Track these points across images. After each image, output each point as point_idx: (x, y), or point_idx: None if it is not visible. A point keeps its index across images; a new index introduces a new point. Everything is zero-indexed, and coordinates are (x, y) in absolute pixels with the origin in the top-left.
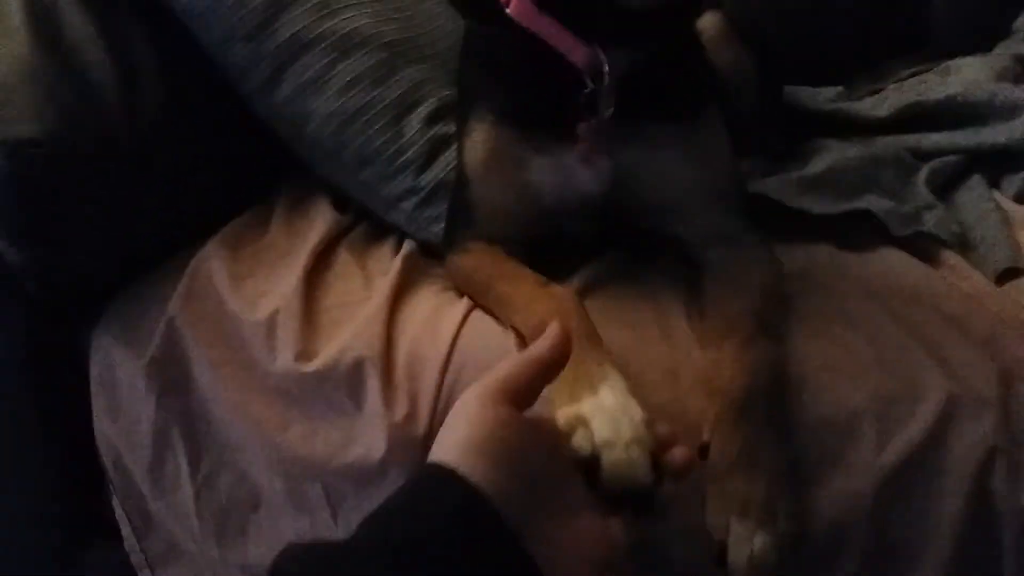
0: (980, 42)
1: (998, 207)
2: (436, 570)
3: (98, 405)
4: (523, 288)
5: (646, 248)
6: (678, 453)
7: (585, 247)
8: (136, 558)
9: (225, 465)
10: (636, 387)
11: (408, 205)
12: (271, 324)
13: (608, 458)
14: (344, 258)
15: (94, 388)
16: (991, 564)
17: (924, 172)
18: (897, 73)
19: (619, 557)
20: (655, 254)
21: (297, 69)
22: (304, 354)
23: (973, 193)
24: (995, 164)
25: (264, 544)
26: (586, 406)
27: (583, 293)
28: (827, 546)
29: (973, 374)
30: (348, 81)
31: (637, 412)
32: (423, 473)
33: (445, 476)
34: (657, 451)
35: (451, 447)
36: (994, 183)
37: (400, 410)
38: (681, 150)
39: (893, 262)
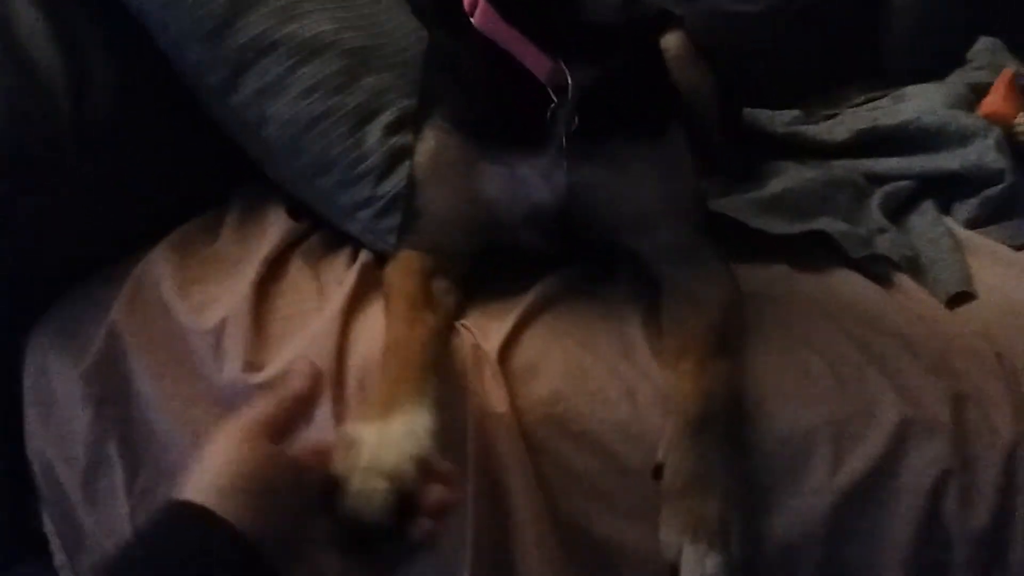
0: (934, 70)
1: (949, 232)
2: None
3: (31, 414)
4: (397, 305)
5: (605, 263)
6: (433, 492)
7: (542, 260)
8: (65, 574)
9: (164, 480)
10: (594, 405)
11: (366, 215)
12: (218, 333)
13: (351, 486)
14: (298, 267)
15: (27, 395)
16: None
17: (877, 196)
18: (852, 98)
19: None
20: (614, 269)
21: (256, 72)
22: (252, 364)
23: (925, 218)
24: (947, 190)
25: None
26: (366, 428)
27: (539, 309)
28: (780, 568)
29: (926, 396)
30: (308, 86)
31: (416, 447)
32: (174, 513)
33: (200, 517)
34: (417, 491)
35: (206, 487)
36: (945, 209)
37: None
38: (640, 166)
39: (848, 283)
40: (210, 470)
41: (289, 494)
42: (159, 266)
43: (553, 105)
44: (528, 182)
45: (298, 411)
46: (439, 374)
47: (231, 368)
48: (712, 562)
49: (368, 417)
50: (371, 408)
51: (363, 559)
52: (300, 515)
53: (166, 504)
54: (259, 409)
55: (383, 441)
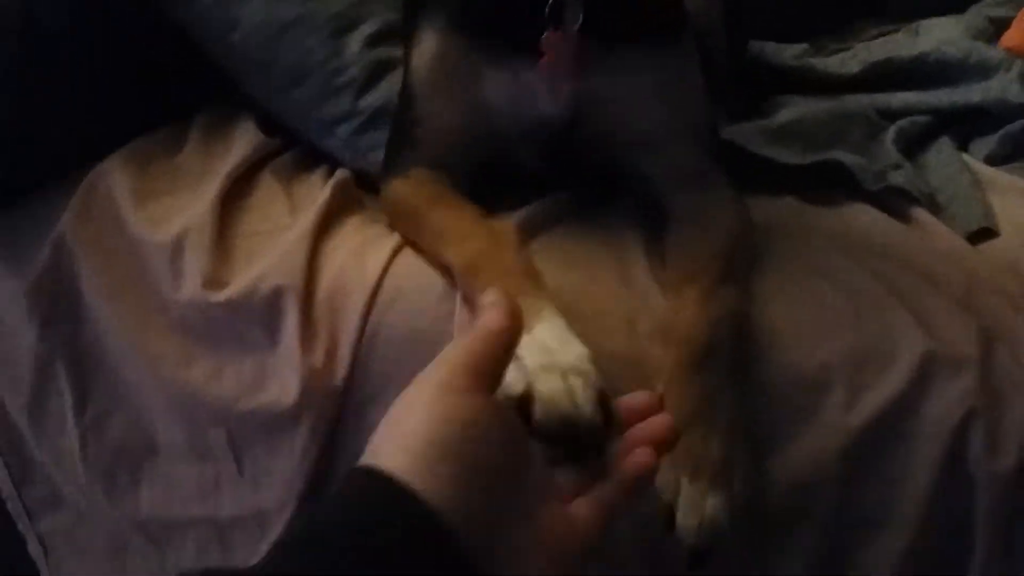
0: (951, 4)
1: (967, 168)
2: None
3: None
4: (459, 220)
5: (606, 188)
6: (638, 396)
7: (540, 182)
8: (13, 506)
9: (117, 406)
10: (590, 333)
11: (344, 130)
12: (177, 247)
13: (543, 387)
14: (268, 183)
15: None
16: (963, 534)
17: (892, 132)
18: (864, 33)
19: (584, 551)
20: (616, 196)
21: None
22: (214, 282)
23: (941, 155)
24: (964, 126)
25: (159, 495)
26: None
27: (534, 229)
28: (791, 511)
29: (952, 331)
30: None
31: (579, 348)
32: (363, 483)
33: (391, 492)
34: (606, 395)
35: (402, 448)
36: (963, 146)
37: (319, 348)
38: (653, 77)
39: (864, 217)
40: (405, 426)
41: (499, 452)
42: (114, 176)
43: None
44: (533, 90)
45: (504, 350)
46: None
47: (190, 285)
48: (713, 502)
49: None
50: None
51: (578, 483)
52: (509, 475)
53: (347, 473)
54: (458, 350)
55: (544, 346)
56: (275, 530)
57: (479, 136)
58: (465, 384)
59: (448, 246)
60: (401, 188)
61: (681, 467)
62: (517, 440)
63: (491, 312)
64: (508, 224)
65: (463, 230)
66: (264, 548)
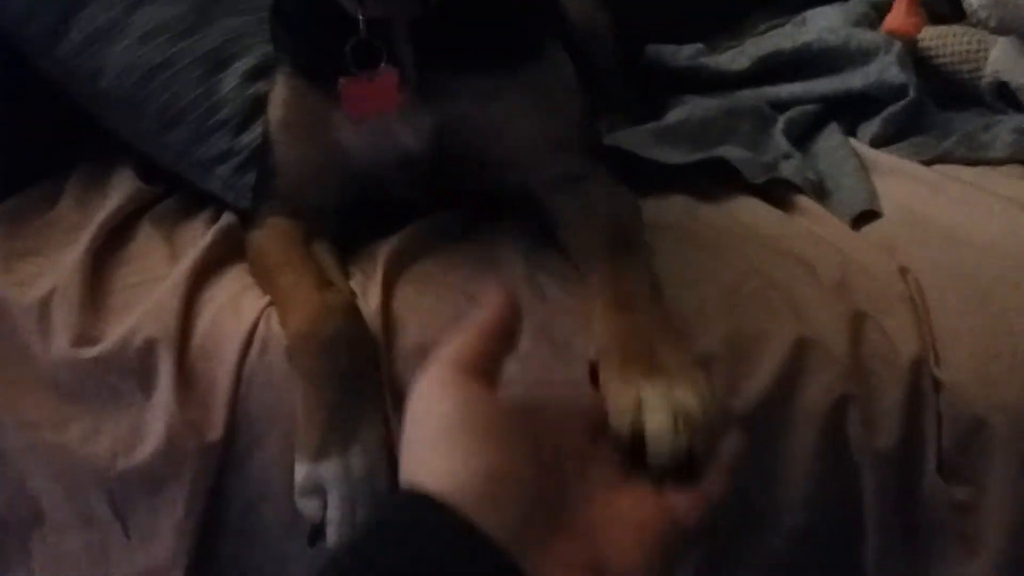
0: None
1: (854, 153)
2: None
3: None
4: (296, 287)
5: (487, 206)
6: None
7: (419, 210)
8: None
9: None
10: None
11: (224, 170)
12: (44, 305)
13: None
14: (147, 232)
15: None
16: (851, 518)
17: (781, 123)
18: (756, 27)
19: (680, 533)
20: (495, 211)
21: (87, 15)
22: (84, 338)
23: (830, 141)
24: (852, 112)
25: (51, 566)
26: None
27: (410, 256)
28: None
29: (824, 317)
30: (148, 30)
31: None
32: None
33: (422, 500)
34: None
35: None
36: (851, 131)
37: (194, 399)
38: (513, 96)
39: (747, 209)
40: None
41: (538, 440)
42: None
43: (356, 42)
44: (389, 128)
45: (505, 345)
46: None
47: (59, 343)
48: (681, 392)
49: None
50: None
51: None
52: (563, 461)
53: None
54: (456, 346)
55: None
56: None
57: (338, 179)
58: (462, 378)
59: (286, 314)
60: (257, 240)
61: (630, 376)
62: (560, 432)
63: (485, 308)
64: (348, 297)
65: (297, 301)
66: None
